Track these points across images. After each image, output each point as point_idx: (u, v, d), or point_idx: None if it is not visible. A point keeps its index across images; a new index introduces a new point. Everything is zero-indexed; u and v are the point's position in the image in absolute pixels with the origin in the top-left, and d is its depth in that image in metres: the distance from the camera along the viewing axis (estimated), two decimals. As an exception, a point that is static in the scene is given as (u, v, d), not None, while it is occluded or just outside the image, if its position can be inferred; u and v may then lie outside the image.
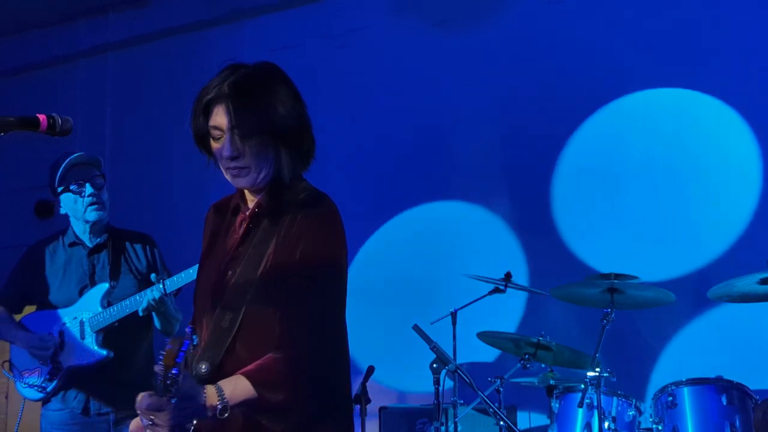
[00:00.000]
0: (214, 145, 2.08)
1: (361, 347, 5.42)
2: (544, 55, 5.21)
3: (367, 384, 4.08)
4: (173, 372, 1.76)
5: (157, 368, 1.78)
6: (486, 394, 3.37)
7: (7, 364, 3.60)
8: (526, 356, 4.10)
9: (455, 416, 3.99)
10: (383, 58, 5.77)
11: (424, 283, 5.27)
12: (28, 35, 7.27)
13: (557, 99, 5.14)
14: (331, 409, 2.07)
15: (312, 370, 1.98)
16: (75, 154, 3.60)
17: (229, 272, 2.10)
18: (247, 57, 6.15)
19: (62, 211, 3.61)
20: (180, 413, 1.83)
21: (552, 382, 4.09)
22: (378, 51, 5.79)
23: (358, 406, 3.85)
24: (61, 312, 3.52)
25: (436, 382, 3.17)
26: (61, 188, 3.53)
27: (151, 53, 6.65)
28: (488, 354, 4.46)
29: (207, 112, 2.07)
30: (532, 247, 5.05)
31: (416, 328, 3.24)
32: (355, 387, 4.92)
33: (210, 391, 1.88)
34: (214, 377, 1.95)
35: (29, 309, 3.74)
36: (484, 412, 4.26)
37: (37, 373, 3.50)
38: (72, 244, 3.59)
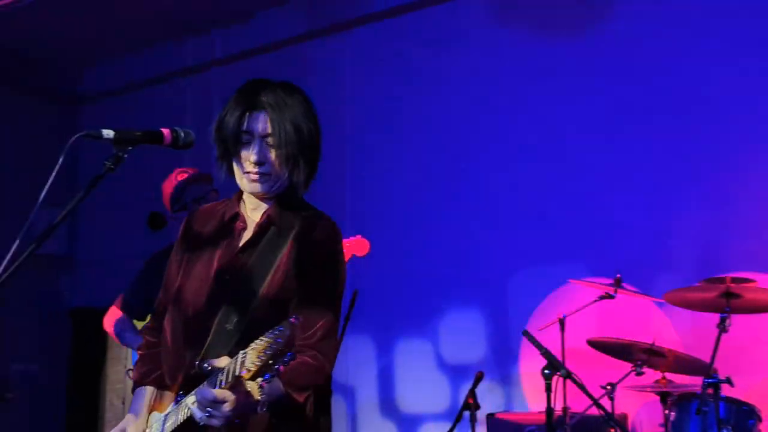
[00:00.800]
0: (241, 149, 2.19)
1: (469, 353, 5.43)
2: (651, 60, 5.08)
3: (476, 390, 4.04)
4: (287, 356, 1.82)
5: (261, 353, 1.81)
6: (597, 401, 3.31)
7: (131, 372, 3.74)
8: (639, 363, 4.00)
9: (566, 423, 3.93)
10: (482, 64, 5.73)
11: (532, 289, 5.21)
12: (139, 54, 7.57)
13: (668, 105, 5.00)
14: (327, 407, 2.39)
15: (326, 374, 2.18)
16: (190, 173, 3.73)
17: (228, 277, 2.19)
18: (347, 68, 6.29)
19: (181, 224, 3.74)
20: (240, 406, 1.92)
21: (666, 389, 3.98)
22: (477, 56, 5.76)
23: (467, 413, 3.83)
24: None
25: (548, 388, 3.12)
26: (178, 206, 3.66)
27: (253, 67, 6.80)
28: (598, 361, 4.37)
29: (241, 117, 2.17)
30: (641, 251, 4.92)
31: (526, 333, 3.20)
32: (464, 393, 4.93)
33: (253, 387, 1.96)
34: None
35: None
36: (596, 419, 4.18)
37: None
38: None
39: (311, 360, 2.10)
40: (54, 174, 1.97)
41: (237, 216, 2.27)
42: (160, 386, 2.29)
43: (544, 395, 3.47)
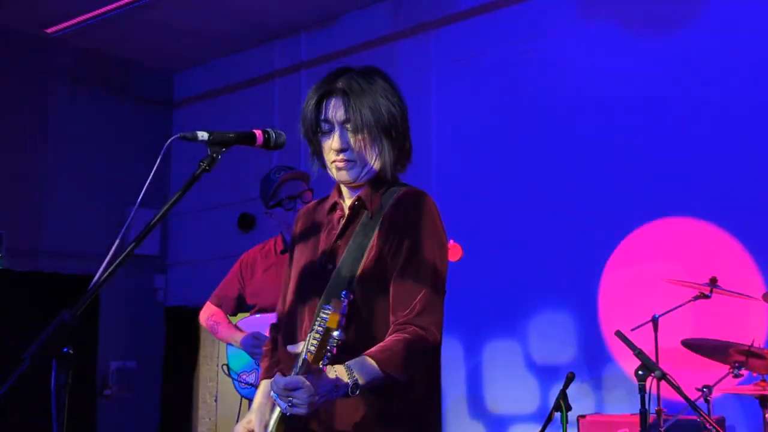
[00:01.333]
0: (323, 139, 2.19)
1: (559, 354, 5.36)
2: (748, 56, 4.92)
3: (566, 391, 3.98)
4: (336, 335, 1.79)
5: (316, 333, 1.80)
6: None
7: (225, 367, 3.84)
8: (736, 364, 3.88)
9: (660, 425, 3.84)
10: (569, 61, 5.65)
11: (624, 289, 5.11)
12: (228, 59, 7.74)
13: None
14: (436, 393, 2.20)
15: (432, 352, 2.10)
16: (287, 170, 3.81)
17: (329, 266, 2.18)
18: (434, 68, 6.28)
19: (275, 222, 3.83)
20: (319, 390, 1.87)
21: (765, 392, 3.85)
22: (563, 55, 5.69)
23: (558, 414, 3.79)
24: (273, 315, 3.70)
25: (641, 390, 3.05)
26: (273, 202, 3.76)
27: (340, 69, 6.86)
28: (694, 362, 4.26)
29: (318, 107, 2.18)
30: (738, 250, 4.77)
31: (619, 333, 3.14)
32: (554, 395, 4.86)
33: (340, 370, 1.93)
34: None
35: (242, 315, 3.98)
36: (691, 422, 4.08)
37: (255, 373, 3.70)
38: (284, 252, 3.79)
39: (410, 336, 2.03)
40: (152, 175, 2.01)
41: (336, 206, 2.28)
42: None
43: (637, 397, 3.39)
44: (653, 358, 3.91)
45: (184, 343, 7.65)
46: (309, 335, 1.83)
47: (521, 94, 5.83)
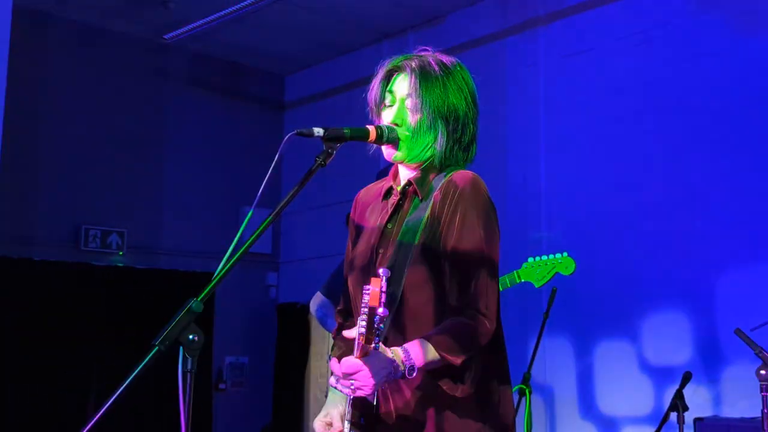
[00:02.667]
0: (384, 113, 2.21)
1: (674, 354, 5.22)
2: None
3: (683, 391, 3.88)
4: (380, 312, 1.76)
5: (363, 314, 1.78)
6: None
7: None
8: None
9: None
10: (684, 55, 5.50)
11: (742, 287, 4.94)
12: (337, 61, 7.86)
13: None
14: (501, 370, 2.15)
15: (488, 334, 2.05)
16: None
17: (381, 249, 2.17)
18: (542, 64, 6.23)
19: None
20: (379, 371, 1.87)
21: None
22: (678, 49, 5.53)
23: (675, 414, 3.69)
24: None
25: (764, 390, 2.94)
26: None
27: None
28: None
29: (388, 79, 2.22)
30: None
31: (739, 332, 3.04)
32: (668, 396, 4.74)
33: (396, 352, 1.93)
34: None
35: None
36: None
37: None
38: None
39: (468, 320, 2.03)
40: (269, 173, 2.06)
41: (391, 189, 2.29)
42: None
43: (756, 400, 3.28)
44: (775, 360, 3.77)
45: (295, 339, 7.81)
46: (359, 318, 1.83)
47: (629, 90, 5.71)
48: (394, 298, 2.07)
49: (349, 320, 2.39)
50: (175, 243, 7.52)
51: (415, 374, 1.94)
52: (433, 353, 1.96)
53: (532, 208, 6.06)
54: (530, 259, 4.08)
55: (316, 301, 4.10)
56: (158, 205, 7.49)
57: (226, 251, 1.90)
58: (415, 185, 2.20)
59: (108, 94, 7.26)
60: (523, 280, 4.04)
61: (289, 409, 7.77)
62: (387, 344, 2.00)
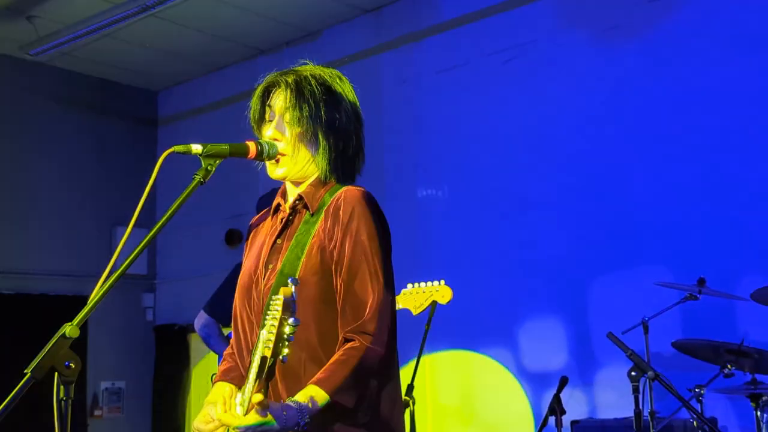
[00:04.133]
0: (265, 128, 2.20)
1: (550, 360, 5.38)
2: (725, 53, 4.99)
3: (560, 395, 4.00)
4: (292, 321, 1.72)
5: (270, 326, 1.73)
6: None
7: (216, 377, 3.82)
8: (727, 364, 3.91)
9: (652, 428, 3.86)
10: (552, 70, 5.70)
11: (614, 291, 5.15)
12: (214, 76, 7.77)
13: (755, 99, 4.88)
14: (397, 402, 2.11)
15: (380, 359, 2.01)
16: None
17: (270, 265, 2.15)
18: (415, 79, 6.30)
19: None
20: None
21: (757, 391, 3.88)
22: (546, 64, 5.73)
23: (553, 417, 3.80)
24: None
25: (635, 391, 3.07)
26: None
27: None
28: (684, 364, 4.29)
29: (267, 95, 2.21)
30: (725, 251, 4.81)
31: (611, 335, 3.17)
32: (546, 401, 4.88)
33: (288, 408, 1.86)
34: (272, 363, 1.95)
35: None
36: (684, 423, 4.11)
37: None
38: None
39: (357, 353, 1.96)
40: (147, 190, 2.00)
41: (279, 207, 2.27)
42: (240, 386, 2.25)
43: (628, 401, 3.41)
44: (646, 361, 3.94)
45: (174, 361, 7.62)
46: (261, 333, 1.76)
47: (502, 104, 5.87)
48: None
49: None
50: (45, 265, 7.22)
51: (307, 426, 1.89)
52: (325, 399, 1.92)
53: (408, 225, 6.11)
54: (408, 286, 4.09)
55: (200, 320, 4.01)
56: (27, 226, 7.18)
57: (101, 273, 1.84)
58: (305, 200, 2.18)
59: (-30, 112, 6.94)
60: (401, 307, 4.05)
61: (170, 429, 7.57)
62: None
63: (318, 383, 1.94)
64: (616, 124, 5.35)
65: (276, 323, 1.72)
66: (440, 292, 3.96)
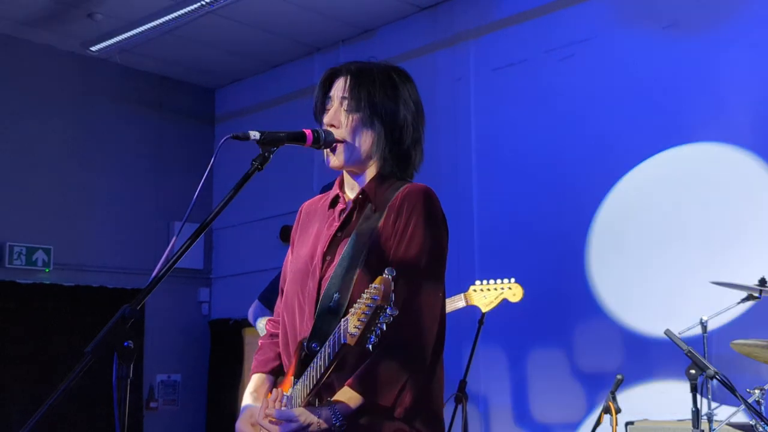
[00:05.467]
0: (324, 116, 2.20)
1: (607, 357, 5.31)
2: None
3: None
4: (389, 311, 1.71)
5: (362, 313, 1.72)
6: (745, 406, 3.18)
7: (253, 368, 3.85)
8: (788, 366, 3.82)
9: (710, 428, 3.79)
10: (610, 67, 5.63)
11: (670, 293, 5.06)
12: (271, 74, 7.84)
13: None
14: (440, 399, 2.10)
15: (423, 364, 2.01)
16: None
17: (329, 257, 2.14)
18: (471, 77, 6.27)
19: None
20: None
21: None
22: (604, 61, 5.67)
23: (608, 417, 3.74)
24: None
25: (693, 389, 3.01)
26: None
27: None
28: (744, 365, 4.20)
29: (330, 85, 2.21)
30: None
31: (669, 332, 3.11)
32: (600, 402, 4.81)
33: (324, 412, 1.92)
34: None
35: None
36: (743, 425, 4.01)
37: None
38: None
39: (397, 352, 1.97)
40: (202, 181, 2.02)
41: (337, 199, 2.26)
42: (278, 375, 2.28)
43: (683, 403, 3.35)
44: (703, 362, 3.86)
45: (228, 355, 7.71)
46: (348, 318, 1.76)
47: (561, 101, 5.82)
48: (341, 306, 2.02)
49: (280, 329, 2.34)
50: (103, 259, 7.37)
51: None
52: (359, 399, 1.95)
53: (465, 223, 6.10)
54: (477, 283, 4.07)
55: (254, 308, 4.05)
56: (86, 221, 7.33)
57: (156, 267, 1.85)
58: (368, 195, 2.17)
59: (33, 107, 7.10)
60: (470, 304, 4.04)
61: (222, 427, 7.65)
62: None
63: (354, 384, 1.96)
64: (676, 120, 5.26)
65: (368, 311, 1.71)
66: (512, 290, 3.96)
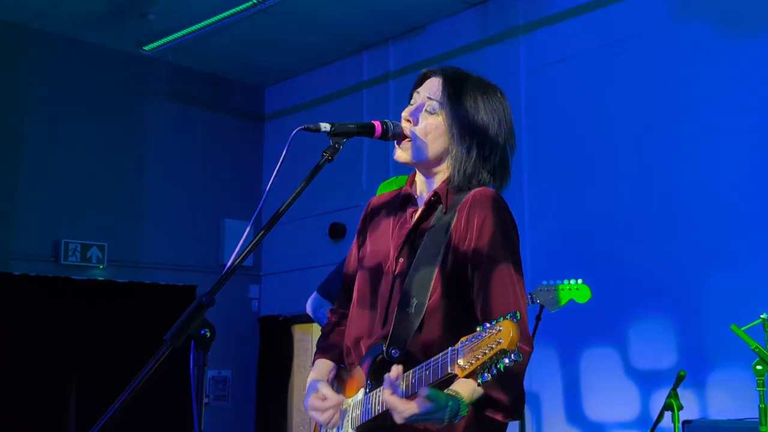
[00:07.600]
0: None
1: (661, 358, 5.24)
2: None
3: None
4: (513, 357, 1.63)
5: (483, 346, 1.65)
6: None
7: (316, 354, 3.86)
8: None
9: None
10: (664, 63, 5.55)
11: (728, 290, 4.98)
12: (319, 72, 7.87)
13: None
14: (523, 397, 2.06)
15: (526, 361, 1.98)
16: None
17: (401, 259, 2.12)
18: (522, 73, 6.23)
19: None
20: (420, 417, 1.81)
21: None
22: (658, 56, 5.59)
23: (669, 414, 3.69)
24: None
25: (760, 385, 2.95)
26: None
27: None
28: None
29: (421, 83, 2.20)
30: None
31: (735, 328, 3.06)
32: (656, 400, 4.76)
33: (451, 397, 1.85)
34: (403, 360, 1.94)
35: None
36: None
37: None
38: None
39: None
40: (276, 171, 2.04)
41: (409, 198, 2.24)
42: (338, 363, 2.29)
43: (743, 402, 3.29)
44: (764, 360, 3.79)
45: (278, 352, 7.75)
46: (462, 350, 1.69)
47: (613, 97, 5.76)
48: (419, 312, 2.02)
49: (343, 322, 2.34)
50: (156, 256, 7.45)
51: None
52: (479, 391, 1.89)
53: (516, 219, 6.05)
54: (544, 282, 4.06)
55: (312, 300, 4.06)
56: (139, 219, 7.42)
57: (209, 265, 1.87)
58: (440, 197, 2.15)
59: (87, 106, 7.21)
60: (538, 303, 4.03)
61: (272, 422, 7.70)
62: (411, 356, 1.96)
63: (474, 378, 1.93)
64: (732, 119, 5.17)
65: (488, 351, 1.64)
66: (580, 291, 3.94)
